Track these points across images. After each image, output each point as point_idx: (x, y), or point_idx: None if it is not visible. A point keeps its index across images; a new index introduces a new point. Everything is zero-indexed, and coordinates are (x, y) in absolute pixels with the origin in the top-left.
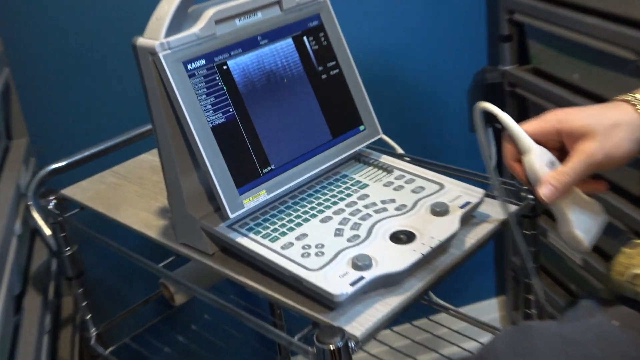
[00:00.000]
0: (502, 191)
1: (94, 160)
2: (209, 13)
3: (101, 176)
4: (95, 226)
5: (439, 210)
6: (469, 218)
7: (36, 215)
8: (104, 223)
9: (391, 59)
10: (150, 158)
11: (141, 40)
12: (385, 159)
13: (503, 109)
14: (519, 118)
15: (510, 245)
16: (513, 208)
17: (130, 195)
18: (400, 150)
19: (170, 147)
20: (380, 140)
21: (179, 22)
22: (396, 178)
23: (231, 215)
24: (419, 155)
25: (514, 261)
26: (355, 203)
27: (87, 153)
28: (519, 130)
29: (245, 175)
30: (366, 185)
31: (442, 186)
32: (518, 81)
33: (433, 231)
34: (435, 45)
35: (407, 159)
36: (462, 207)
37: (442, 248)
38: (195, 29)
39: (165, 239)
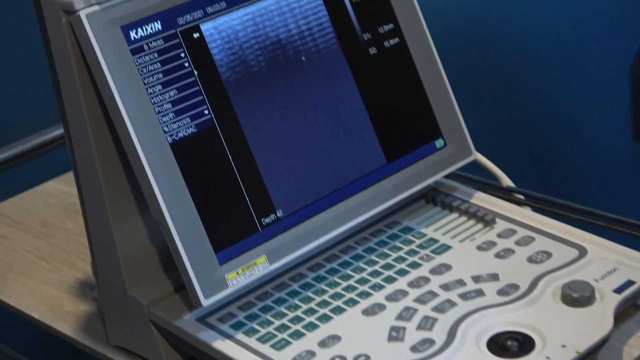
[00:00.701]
0: None
1: None
2: None
3: None
4: None
5: (577, 297)
6: (632, 310)
7: None
8: None
9: (493, 23)
10: (62, 189)
11: None
12: (481, 199)
13: None
14: None
15: None
16: None
17: (26, 256)
18: (508, 182)
19: (97, 174)
20: (473, 165)
21: None
22: (501, 235)
23: (205, 302)
24: (540, 191)
25: None
26: (426, 280)
27: None
28: None
29: (231, 230)
30: (447, 248)
31: (582, 251)
32: None
33: (566, 334)
34: None
35: (521, 197)
36: (618, 290)
37: None
38: None
39: (87, 338)
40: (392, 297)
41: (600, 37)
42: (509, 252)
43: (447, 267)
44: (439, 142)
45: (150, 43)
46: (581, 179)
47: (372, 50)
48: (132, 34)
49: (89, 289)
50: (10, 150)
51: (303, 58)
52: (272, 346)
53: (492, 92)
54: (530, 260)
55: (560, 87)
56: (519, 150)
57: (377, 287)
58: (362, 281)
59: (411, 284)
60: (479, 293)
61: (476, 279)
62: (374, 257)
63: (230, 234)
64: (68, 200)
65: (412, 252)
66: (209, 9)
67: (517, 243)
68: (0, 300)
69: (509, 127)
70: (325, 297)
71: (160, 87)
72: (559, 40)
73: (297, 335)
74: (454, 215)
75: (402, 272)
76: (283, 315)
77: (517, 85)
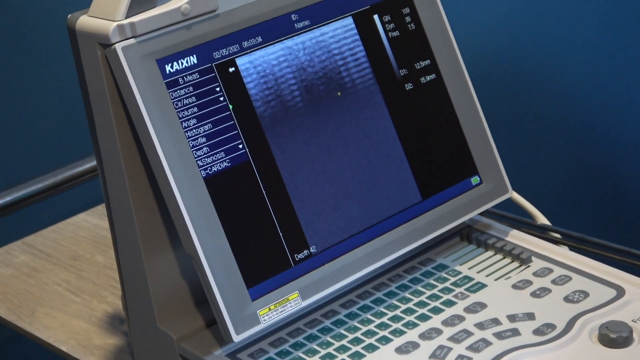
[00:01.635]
0: None
1: None
2: None
3: (5, 252)
4: None
5: (615, 337)
6: None
7: None
8: (6, 338)
9: (532, 60)
10: (93, 222)
11: (84, 21)
12: (517, 237)
13: None
14: None
15: None
16: None
17: (56, 289)
18: (543, 220)
19: (130, 207)
20: (509, 203)
21: None
22: (537, 274)
23: (236, 338)
24: (578, 230)
25: None
26: (460, 319)
27: None
28: None
29: (264, 266)
30: (482, 286)
31: (620, 291)
32: None
33: None
34: (610, 30)
35: (557, 236)
36: None
37: None
38: (181, 1)
39: None
40: (425, 336)
41: (638, 74)
42: (545, 291)
43: (482, 306)
44: (474, 179)
45: (186, 77)
46: (619, 217)
47: (409, 86)
48: (168, 68)
49: (118, 323)
50: (41, 182)
51: (339, 93)
52: None
53: (529, 129)
54: (567, 299)
55: (597, 123)
56: (555, 187)
57: (411, 325)
58: (396, 319)
59: (445, 323)
60: (515, 332)
61: (512, 318)
62: (407, 295)
63: (262, 269)
64: (98, 233)
65: (447, 290)
66: (245, 44)
67: (554, 282)
68: (30, 334)
69: (549, 164)
70: (358, 334)
71: (195, 120)
72: (595, 76)
73: None
74: (489, 253)
75: (436, 310)
76: (315, 352)
77: (552, 121)
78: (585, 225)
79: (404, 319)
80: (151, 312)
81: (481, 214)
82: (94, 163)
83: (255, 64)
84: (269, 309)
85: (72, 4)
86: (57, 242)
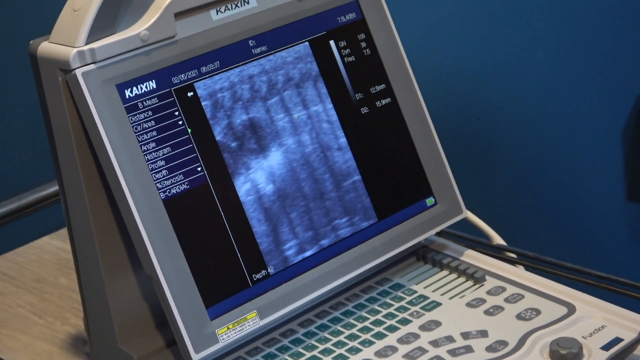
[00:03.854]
0: None
1: None
2: (165, 0)
3: None
4: None
5: (565, 353)
6: None
7: None
8: None
9: (486, 84)
10: (56, 245)
11: (45, 47)
12: (472, 257)
13: None
14: None
15: None
16: None
17: (20, 311)
18: (499, 240)
19: (91, 230)
20: (464, 224)
21: (111, 15)
22: (490, 292)
23: (195, 357)
24: (531, 249)
25: None
26: (415, 337)
27: None
28: None
29: (222, 286)
30: (436, 305)
31: (572, 309)
32: None
33: None
34: (568, 54)
35: (513, 256)
36: (605, 347)
37: None
38: (140, 27)
39: None
40: (381, 353)
41: (593, 97)
42: (498, 309)
43: (436, 324)
44: (429, 201)
45: (145, 101)
46: (573, 238)
47: (364, 110)
48: (127, 93)
49: (81, 344)
50: (5, 207)
51: (295, 117)
52: None
53: (484, 151)
54: (519, 317)
55: (553, 147)
56: (511, 208)
57: (367, 343)
58: (352, 337)
59: (400, 340)
60: (468, 349)
61: (465, 335)
62: (364, 314)
63: (221, 289)
64: (62, 256)
65: (402, 309)
66: (203, 69)
67: (507, 300)
68: None
69: (502, 186)
70: (315, 352)
71: (154, 144)
72: (551, 100)
73: None
74: (444, 272)
75: (391, 329)
76: None
77: (509, 144)
78: (540, 245)
79: (360, 337)
80: (112, 332)
81: (437, 234)
82: (56, 187)
83: (213, 88)
84: (228, 328)
85: (35, 31)
86: (20, 265)
